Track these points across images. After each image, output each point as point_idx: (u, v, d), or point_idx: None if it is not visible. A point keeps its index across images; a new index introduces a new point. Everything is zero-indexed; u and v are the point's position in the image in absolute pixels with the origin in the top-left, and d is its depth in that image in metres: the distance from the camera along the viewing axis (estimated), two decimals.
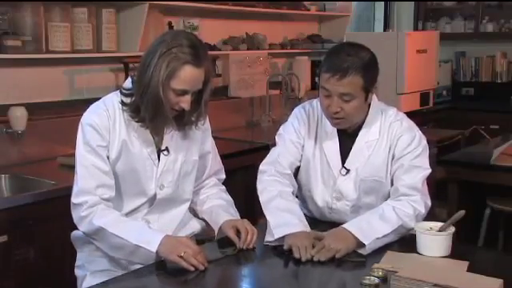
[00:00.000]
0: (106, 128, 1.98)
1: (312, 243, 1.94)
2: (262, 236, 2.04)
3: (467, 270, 1.80)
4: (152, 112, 1.93)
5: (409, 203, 2.08)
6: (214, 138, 2.27)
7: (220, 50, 4.28)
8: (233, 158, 3.29)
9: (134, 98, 1.97)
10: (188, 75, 1.90)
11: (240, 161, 3.43)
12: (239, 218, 2.13)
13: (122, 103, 2.00)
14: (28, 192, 2.59)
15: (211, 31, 4.20)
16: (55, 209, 2.53)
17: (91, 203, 1.95)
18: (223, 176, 2.32)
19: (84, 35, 3.27)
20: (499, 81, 5.90)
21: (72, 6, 3.23)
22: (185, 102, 1.94)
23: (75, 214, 1.99)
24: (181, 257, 1.82)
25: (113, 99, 2.03)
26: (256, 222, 2.81)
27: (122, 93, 2.01)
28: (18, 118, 3.01)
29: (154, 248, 1.87)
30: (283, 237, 1.98)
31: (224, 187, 2.29)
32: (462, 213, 1.97)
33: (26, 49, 3.03)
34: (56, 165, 3.05)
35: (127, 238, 1.90)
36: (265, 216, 2.12)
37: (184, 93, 1.92)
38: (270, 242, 2.02)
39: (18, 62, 3.11)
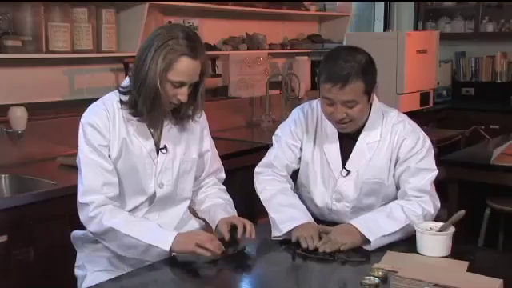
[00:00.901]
0: (106, 127, 1.98)
1: (318, 234, 1.98)
2: (262, 235, 2.05)
3: (467, 270, 1.80)
4: (149, 105, 1.94)
5: (418, 203, 2.09)
6: (214, 138, 2.27)
7: (220, 50, 4.27)
8: (233, 158, 3.29)
9: (131, 94, 1.97)
10: (185, 67, 1.90)
11: (240, 161, 3.42)
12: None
13: (121, 102, 2.00)
14: (28, 192, 2.58)
15: (211, 31, 4.19)
16: (55, 209, 2.54)
17: (98, 203, 1.95)
18: (223, 175, 2.32)
19: (84, 35, 3.27)
20: (499, 81, 5.89)
21: (72, 6, 3.22)
22: (182, 95, 1.94)
23: (83, 214, 1.98)
24: (196, 244, 1.85)
25: (111, 98, 2.03)
26: (255, 222, 2.82)
27: (120, 91, 2.01)
28: (18, 118, 3.00)
29: (167, 247, 1.88)
30: (290, 230, 2.01)
31: (224, 187, 2.29)
32: (462, 213, 1.97)
33: (26, 49, 3.02)
34: (56, 165, 3.05)
35: (140, 238, 1.91)
36: (264, 216, 2.13)
37: (181, 85, 1.93)
38: (277, 236, 2.05)
39: (17, 61, 3.11)
